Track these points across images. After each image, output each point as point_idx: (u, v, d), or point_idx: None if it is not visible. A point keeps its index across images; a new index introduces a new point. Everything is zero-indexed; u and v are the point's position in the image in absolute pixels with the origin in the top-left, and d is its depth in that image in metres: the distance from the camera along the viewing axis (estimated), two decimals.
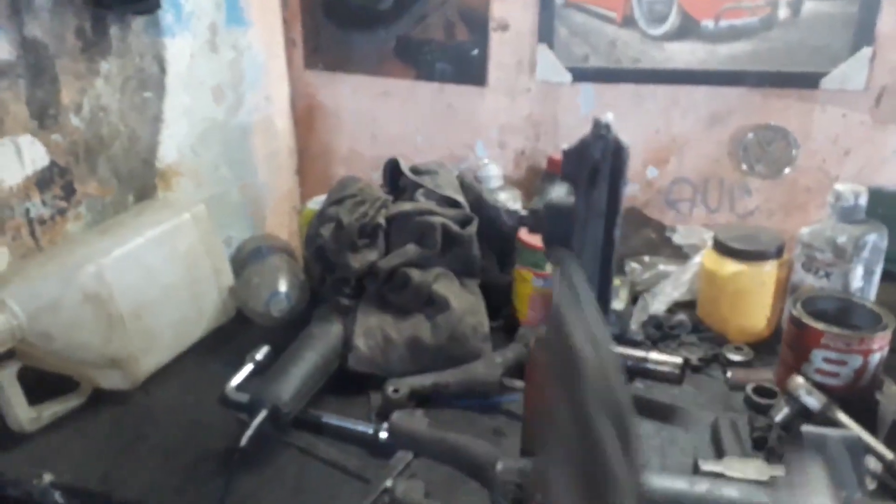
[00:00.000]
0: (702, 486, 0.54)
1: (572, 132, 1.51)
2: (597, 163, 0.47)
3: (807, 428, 0.57)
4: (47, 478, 0.90)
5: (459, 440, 0.65)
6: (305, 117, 1.59)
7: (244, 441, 0.87)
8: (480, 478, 0.59)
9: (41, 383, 1.01)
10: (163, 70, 1.26)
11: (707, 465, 0.84)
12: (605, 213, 0.48)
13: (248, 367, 1.09)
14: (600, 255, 0.49)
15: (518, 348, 1.08)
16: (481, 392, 1.03)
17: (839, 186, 1.10)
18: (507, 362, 1.06)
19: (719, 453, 0.92)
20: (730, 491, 0.54)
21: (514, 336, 1.13)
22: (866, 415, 0.97)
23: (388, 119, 1.52)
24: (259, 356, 1.10)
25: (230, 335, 1.22)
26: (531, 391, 0.69)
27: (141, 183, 1.25)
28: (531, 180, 1.45)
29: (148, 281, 1.07)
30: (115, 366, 1.04)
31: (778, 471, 0.83)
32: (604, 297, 0.50)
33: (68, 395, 1.02)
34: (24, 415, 0.95)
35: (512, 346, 1.09)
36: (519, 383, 1.03)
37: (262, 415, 0.91)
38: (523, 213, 0.63)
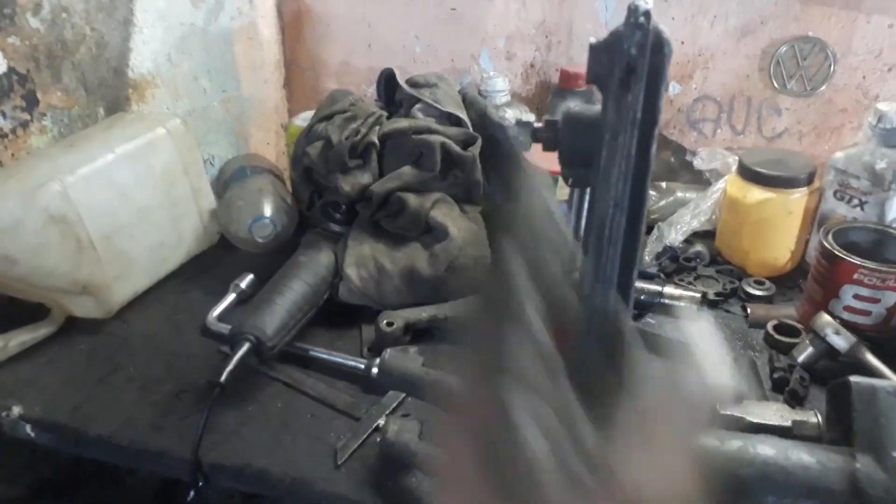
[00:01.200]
0: (733, 444, 0.49)
1: (587, 42, 1.40)
2: (632, 60, 0.40)
3: (856, 378, 0.51)
4: (16, 410, 0.87)
5: (457, 383, 0.61)
6: (293, 25, 1.49)
7: (224, 377, 0.84)
8: None
9: (10, 310, 0.97)
10: None
11: (725, 409, 0.80)
12: (641, 124, 0.41)
13: (232, 297, 1.05)
14: (632, 175, 0.42)
15: None
16: None
17: (882, 105, 1.02)
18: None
19: (736, 395, 0.88)
20: (765, 448, 0.49)
21: None
22: (894, 355, 0.93)
23: (385, 26, 1.42)
24: (243, 284, 1.06)
25: (213, 262, 1.17)
26: None
27: (112, 94, 1.17)
28: (541, 96, 1.36)
29: (120, 201, 1.01)
30: (87, 292, 0.99)
31: (800, 415, 0.79)
32: (635, 228, 0.43)
33: (38, 323, 0.98)
34: None
35: None
36: None
37: (244, 349, 0.86)
38: (537, 124, 0.56)
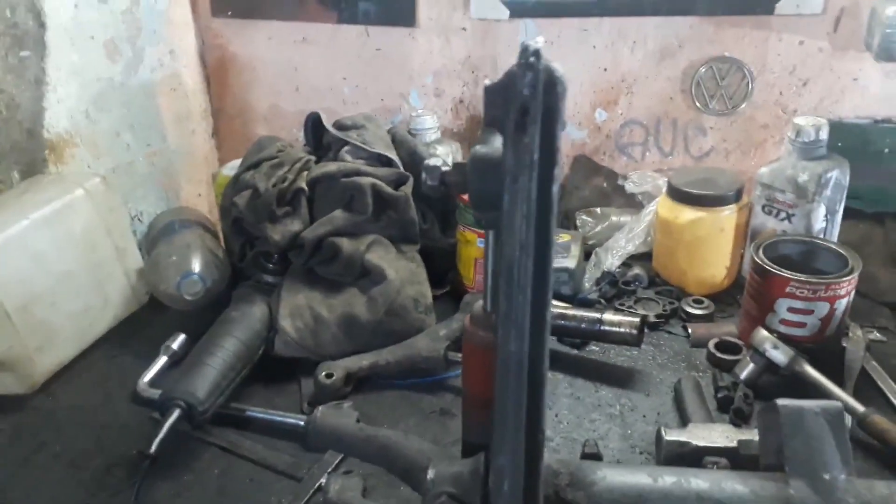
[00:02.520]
0: (667, 480, 0.48)
1: (483, 85, 1.41)
2: (525, 101, 0.39)
3: (782, 401, 0.51)
4: None
5: (390, 438, 0.58)
6: (218, 72, 1.46)
7: (154, 446, 0.79)
8: (412, 482, 0.53)
9: None
10: (41, 24, 1.12)
11: (671, 435, 0.79)
12: (539, 165, 0.40)
13: (163, 359, 1.01)
14: (535, 218, 0.41)
15: (464, 318, 1.01)
16: (425, 369, 0.96)
17: (799, 120, 1.04)
18: (452, 335, 0.99)
19: (683, 418, 0.88)
20: (699, 482, 0.48)
21: (457, 306, 1.06)
22: (833, 365, 0.94)
23: (311, 69, 1.41)
24: (175, 345, 1.02)
25: (143, 324, 1.12)
26: (470, 374, 0.62)
27: (27, 156, 1.12)
28: (472, 131, 1.37)
29: (37, 269, 0.97)
30: (5, 368, 0.93)
31: (745, 434, 0.78)
32: (542, 268, 0.42)
33: None
34: None
35: (457, 316, 1.03)
36: None
37: (175, 415, 0.83)
38: (445, 168, 0.55)
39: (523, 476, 0.44)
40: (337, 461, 0.83)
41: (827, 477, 0.48)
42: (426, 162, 0.55)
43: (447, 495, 0.46)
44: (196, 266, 1.06)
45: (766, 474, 0.50)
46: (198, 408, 0.84)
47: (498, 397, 0.44)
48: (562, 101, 0.39)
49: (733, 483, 0.48)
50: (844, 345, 0.98)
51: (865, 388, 0.93)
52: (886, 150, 1.20)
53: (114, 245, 1.08)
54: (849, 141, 1.15)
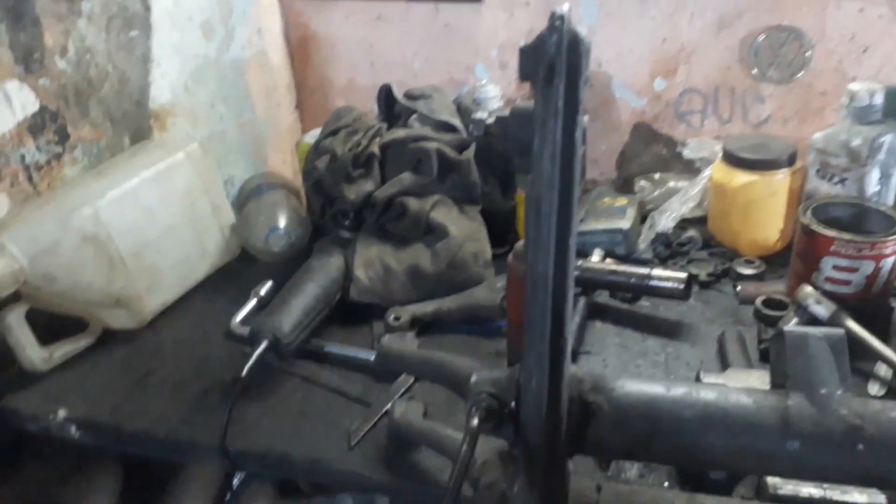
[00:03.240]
0: (678, 390, 0.55)
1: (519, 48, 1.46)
2: (552, 58, 0.46)
3: (789, 327, 0.57)
4: (62, 413, 0.95)
5: (444, 358, 0.67)
6: (300, 49, 1.58)
7: (245, 372, 0.91)
8: (460, 391, 0.61)
9: (52, 325, 1.05)
10: (147, 7, 1.26)
11: (709, 377, 0.85)
12: (564, 113, 0.47)
13: (253, 302, 1.12)
14: (559, 158, 0.48)
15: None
16: (483, 317, 1.05)
17: (853, 86, 1.06)
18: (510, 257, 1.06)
19: (725, 366, 0.93)
20: (707, 393, 0.55)
21: None
22: (879, 323, 0.97)
23: (385, 45, 1.50)
24: (263, 291, 1.13)
25: (235, 272, 1.25)
26: (512, 302, 0.70)
27: (135, 125, 1.26)
28: None
29: (146, 221, 1.10)
30: (120, 305, 1.07)
31: None
32: (566, 201, 0.49)
33: (78, 335, 1.06)
34: (36, 355, 1.00)
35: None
36: None
37: (263, 346, 0.94)
38: (490, 120, 0.62)
39: (548, 376, 0.52)
40: (403, 389, 0.93)
41: (824, 391, 0.54)
42: (473, 115, 0.63)
43: (486, 393, 0.54)
44: (282, 222, 1.18)
45: (769, 390, 0.56)
46: (283, 340, 0.95)
47: (528, 310, 0.52)
48: (584, 58, 0.46)
49: (738, 395, 0.55)
50: (893, 304, 1.01)
51: None
52: None
53: (210, 203, 1.21)
54: None
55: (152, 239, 1.11)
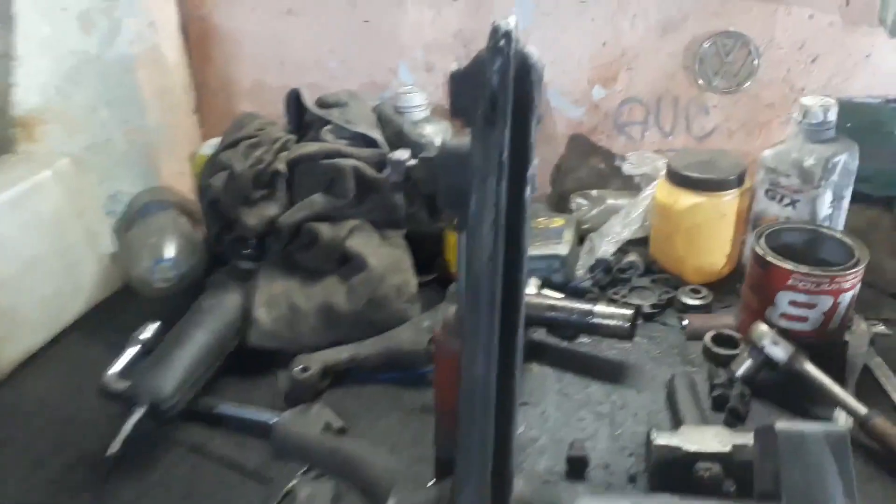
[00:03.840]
0: None
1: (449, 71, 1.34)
2: (494, 92, 0.33)
3: (781, 425, 0.46)
4: None
5: (355, 452, 0.54)
6: (200, 45, 1.40)
7: (114, 448, 0.76)
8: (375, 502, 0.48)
9: None
10: None
11: (661, 439, 0.75)
12: (510, 166, 0.35)
13: (133, 350, 0.95)
14: (503, 228, 0.36)
15: (450, 308, 0.97)
16: (407, 363, 0.92)
17: (806, 100, 0.98)
18: (436, 327, 0.94)
19: (676, 418, 0.83)
20: None
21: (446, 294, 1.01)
22: (835, 361, 0.90)
23: (297, 42, 1.34)
24: (145, 335, 0.96)
25: (116, 310, 1.08)
26: (441, 384, 0.57)
27: None
28: None
29: (2, 254, 0.92)
30: None
31: (740, 438, 0.74)
32: (513, 282, 0.37)
33: None
34: None
35: (443, 306, 0.98)
36: None
37: (138, 413, 0.79)
38: (411, 162, 0.50)
39: None
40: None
41: None
42: (390, 155, 0.50)
43: None
44: (169, 251, 1.01)
45: None
46: (163, 406, 0.80)
47: (462, 426, 0.39)
48: (537, 91, 0.34)
49: None
50: (847, 338, 0.93)
51: (868, 386, 0.88)
52: None
53: (85, 228, 1.04)
54: (858, 121, 1.09)
55: (9, 276, 0.93)
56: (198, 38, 1.40)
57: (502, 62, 0.34)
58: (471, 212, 0.38)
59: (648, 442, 0.76)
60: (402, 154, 0.52)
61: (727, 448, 0.73)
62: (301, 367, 0.88)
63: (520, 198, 0.36)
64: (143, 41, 1.32)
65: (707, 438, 0.74)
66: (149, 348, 0.96)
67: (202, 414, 0.86)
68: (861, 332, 0.95)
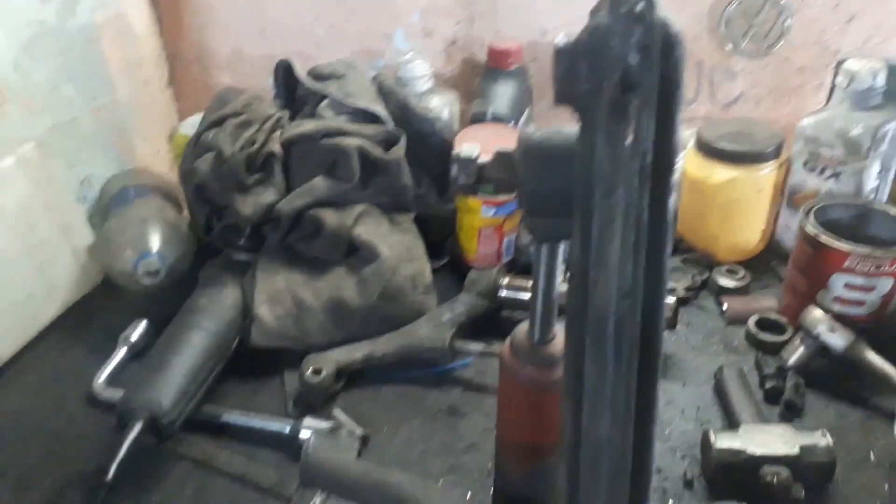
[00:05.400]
0: None
1: (517, 12, 1.29)
2: (630, 73, 0.27)
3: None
4: None
5: (404, 489, 0.48)
6: (171, 12, 1.31)
7: (111, 472, 0.69)
8: None
9: None
10: None
11: (722, 441, 0.70)
12: (652, 169, 0.29)
13: (122, 352, 0.90)
14: (644, 253, 0.30)
15: (470, 299, 0.91)
16: (428, 360, 0.86)
17: (852, 64, 0.93)
18: (457, 319, 0.89)
19: (728, 415, 0.79)
20: None
21: (462, 281, 0.95)
22: (892, 347, 0.86)
23: (279, 7, 1.26)
24: (135, 336, 0.91)
25: (97, 308, 1.00)
26: (506, 412, 0.51)
27: None
28: (469, 77, 1.24)
29: None
30: None
31: (808, 437, 0.70)
32: (652, 321, 0.31)
33: None
34: None
35: (462, 296, 0.92)
36: (475, 345, 0.86)
37: (136, 430, 0.72)
38: (483, 159, 0.43)
39: None
40: None
41: None
42: (457, 151, 0.43)
43: None
44: (154, 244, 0.93)
45: None
46: (163, 419, 0.73)
47: (582, 491, 0.33)
48: (682, 71, 0.28)
49: None
50: None
51: None
52: None
53: (56, 221, 0.96)
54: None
55: None
56: (168, 3, 1.30)
57: (644, 33, 0.28)
58: (594, 234, 0.31)
59: (706, 444, 0.72)
60: (472, 149, 0.45)
61: (794, 450, 0.69)
62: (312, 369, 0.82)
63: (662, 212, 0.30)
64: (106, 8, 1.22)
65: (772, 439, 0.70)
66: (137, 350, 0.90)
67: (207, 423, 0.79)
68: None
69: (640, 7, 0.28)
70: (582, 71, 0.30)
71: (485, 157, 0.44)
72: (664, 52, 0.29)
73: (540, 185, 0.36)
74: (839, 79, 0.94)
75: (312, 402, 0.82)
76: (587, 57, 0.30)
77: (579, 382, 0.37)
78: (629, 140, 0.29)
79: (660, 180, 0.29)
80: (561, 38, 0.33)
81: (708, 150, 1.00)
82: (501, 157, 0.41)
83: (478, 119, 1.09)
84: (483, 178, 0.43)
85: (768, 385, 0.82)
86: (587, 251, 0.32)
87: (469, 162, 0.43)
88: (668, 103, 0.29)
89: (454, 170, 0.44)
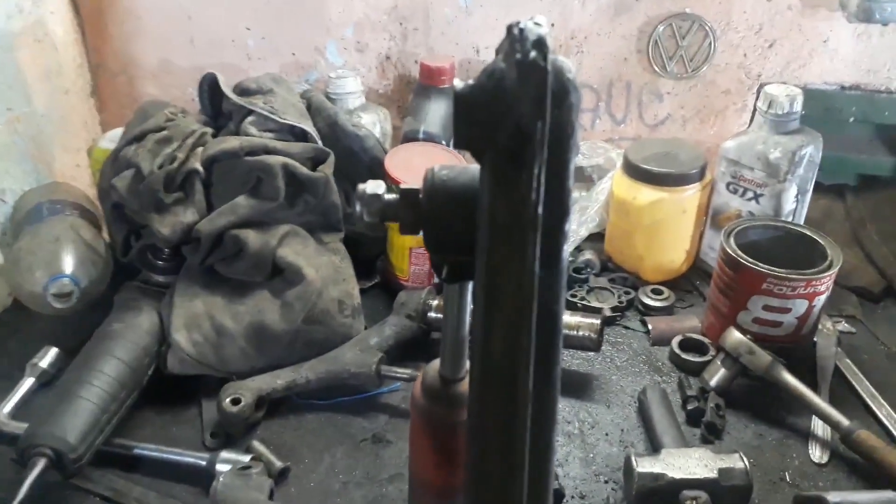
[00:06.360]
0: None
1: (450, 29, 1.27)
2: (527, 122, 0.26)
3: (833, 498, 0.41)
4: None
5: None
6: (94, 19, 1.25)
7: None
8: None
9: None
10: None
11: (643, 465, 0.70)
12: (544, 222, 0.27)
13: (29, 382, 0.84)
14: (536, 314, 0.28)
15: (399, 321, 0.89)
16: (354, 386, 0.84)
17: (771, 89, 0.95)
18: (384, 343, 0.87)
19: (651, 438, 0.79)
20: None
21: (392, 302, 0.93)
22: (806, 364, 0.88)
23: (208, 17, 1.21)
24: (44, 363, 0.85)
25: (6, 332, 0.95)
26: (418, 453, 0.49)
27: None
28: (402, 94, 1.22)
29: None
30: None
31: (726, 460, 0.70)
32: (546, 383, 0.30)
33: None
34: None
35: (390, 319, 0.90)
36: (402, 371, 0.84)
37: (39, 468, 0.67)
38: (388, 196, 0.41)
39: None
40: None
41: None
42: (360, 187, 0.41)
43: None
44: (67, 265, 0.88)
45: None
46: (69, 455, 0.69)
47: None
48: (576, 118, 0.27)
49: None
50: (816, 339, 0.92)
51: (840, 390, 0.87)
52: (851, 119, 1.13)
53: None
54: (812, 108, 1.06)
55: None
56: (92, 11, 1.25)
57: (538, 82, 0.26)
58: (482, 280, 0.30)
59: (629, 469, 0.71)
60: (376, 187, 0.43)
61: (713, 473, 0.69)
62: (231, 398, 0.78)
63: (556, 261, 0.29)
64: (23, 15, 1.16)
65: (691, 463, 0.70)
66: (47, 379, 0.84)
67: (119, 456, 0.75)
68: (828, 332, 0.94)
69: (532, 55, 0.26)
70: (480, 117, 0.28)
71: (390, 196, 0.42)
72: (557, 98, 0.27)
73: (446, 222, 0.34)
74: (759, 103, 0.96)
75: (231, 432, 0.79)
76: (484, 104, 0.28)
77: (480, 422, 0.36)
78: (524, 187, 0.27)
79: (553, 228, 0.28)
80: (458, 83, 0.31)
81: (634, 171, 1.00)
82: (407, 195, 0.39)
83: (410, 137, 1.07)
84: (387, 217, 0.41)
85: (690, 406, 0.82)
86: (483, 298, 0.31)
87: (373, 199, 0.41)
88: (560, 150, 0.28)
89: (357, 206, 0.42)
